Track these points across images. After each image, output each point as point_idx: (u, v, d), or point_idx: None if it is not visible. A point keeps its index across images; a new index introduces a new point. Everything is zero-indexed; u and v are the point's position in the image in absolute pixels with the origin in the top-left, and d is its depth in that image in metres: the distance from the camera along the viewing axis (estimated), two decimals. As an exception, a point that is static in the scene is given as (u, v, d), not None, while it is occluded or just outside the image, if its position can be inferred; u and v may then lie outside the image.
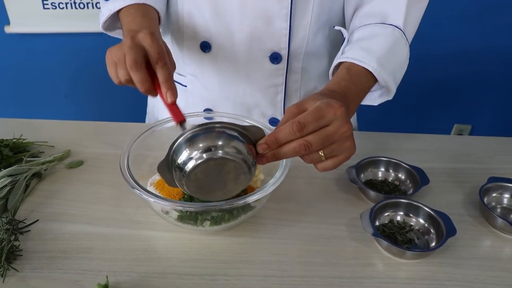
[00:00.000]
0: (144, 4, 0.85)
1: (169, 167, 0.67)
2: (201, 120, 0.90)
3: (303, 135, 0.62)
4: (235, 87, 1.01)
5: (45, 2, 2.01)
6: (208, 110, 1.05)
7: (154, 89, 0.70)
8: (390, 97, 0.86)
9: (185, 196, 0.75)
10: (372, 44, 0.82)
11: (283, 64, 0.96)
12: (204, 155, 0.63)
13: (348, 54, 0.81)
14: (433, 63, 2.17)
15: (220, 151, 0.63)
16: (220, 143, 0.63)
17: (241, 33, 0.93)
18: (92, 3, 2.02)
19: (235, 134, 0.65)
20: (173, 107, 0.69)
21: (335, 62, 0.83)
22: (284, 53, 0.94)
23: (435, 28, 2.04)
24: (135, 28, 0.77)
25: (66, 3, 2.02)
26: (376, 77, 0.79)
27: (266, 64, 0.96)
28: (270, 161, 0.65)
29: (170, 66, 0.71)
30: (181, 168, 0.64)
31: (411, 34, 0.88)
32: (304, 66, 0.99)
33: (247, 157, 0.64)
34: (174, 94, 0.68)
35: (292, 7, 0.89)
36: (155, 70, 0.69)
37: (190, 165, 0.63)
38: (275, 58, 0.95)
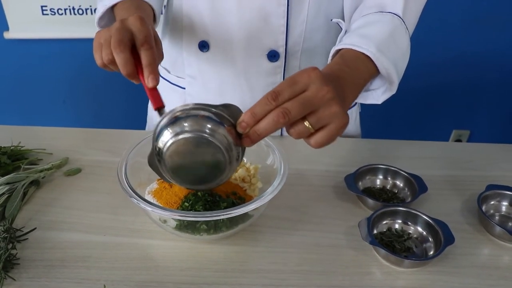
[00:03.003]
0: (138, 0, 0.84)
1: (155, 157, 0.65)
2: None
3: (279, 104, 0.58)
4: (233, 86, 1.01)
5: (44, 8, 2.02)
6: None
7: (137, 73, 0.68)
8: (393, 91, 0.80)
9: (183, 205, 0.75)
10: (370, 30, 0.78)
11: (280, 62, 0.96)
12: (177, 136, 0.61)
13: (345, 41, 0.77)
14: (431, 69, 2.18)
15: (196, 133, 0.61)
16: (198, 126, 0.61)
17: (239, 31, 0.93)
18: (91, 9, 2.03)
19: (214, 117, 0.61)
20: (153, 92, 0.67)
21: (332, 51, 0.79)
22: (281, 50, 0.94)
23: (433, 34, 2.04)
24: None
25: (65, 9, 2.02)
26: (375, 62, 0.74)
27: (263, 62, 0.96)
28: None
29: (156, 53, 0.69)
30: (158, 154, 0.63)
31: (411, 25, 0.85)
32: (302, 64, 0.99)
33: (228, 140, 0.61)
34: (156, 79, 0.66)
35: (289, 4, 0.89)
36: (139, 53, 0.67)
37: (164, 148, 0.62)
38: (272, 56, 0.95)
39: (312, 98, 0.58)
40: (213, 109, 0.62)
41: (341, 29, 0.90)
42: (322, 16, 0.94)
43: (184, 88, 1.07)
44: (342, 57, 0.74)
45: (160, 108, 0.67)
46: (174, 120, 0.62)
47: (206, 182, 0.67)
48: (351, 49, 0.74)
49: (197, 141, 0.61)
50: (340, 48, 0.77)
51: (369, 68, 0.74)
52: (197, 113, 0.62)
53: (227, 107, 0.63)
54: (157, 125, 0.64)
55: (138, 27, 0.67)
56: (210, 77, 1.02)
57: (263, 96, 0.59)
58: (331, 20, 0.93)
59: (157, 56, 0.70)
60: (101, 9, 0.86)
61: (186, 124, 0.61)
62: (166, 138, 0.62)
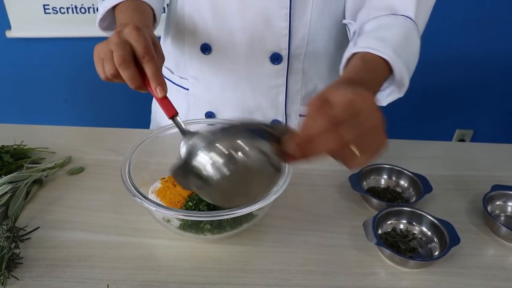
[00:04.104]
0: (137, 0, 0.84)
1: (185, 172, 0.60)
2: (203, 127, 0.90)
3: (333, 126, 0.55)
4: (236, 88, 1.01)
5: (46, 6, 2.01)
6: (209, 113, 1.05)
7: (144, 84, 0.68)
8: (401, 94, 0.78)
9: (187, 205, 0.74)
10: (386, 34, 0.78)
11: (283, 64, 0.95)
12: (228, 163, 0.57)
13: (362, 44, 0.75)
14: (434, 68, 2.17)
15: (245, 155, 0.56)
16: (244, 146, 0.57)
17: (241, 34, 0.93)
18: (93, 8, 2.02)
19: (259, 133, 0.57)
20: (164, 101, 0.68)
21: (347, 54, 0.77)
22: (284, 53, 0.94)
23: (437, 33, 2.03)
24: (124, 22, 0.76)
25: (67, 8, 2.02)
26: (392, 66, 0.72)
27: (266, 65, 0.96)
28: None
29: (158, 60, 0.69)
30: (201, 175, 0.58)
31: (422, 26, 0.85)
32: (305, 66, 0.98)
33: (274, 158, 0.57)
34: (164, 88, 0.67)
35: (292, 7, 0.88)
36: (142, 66, 0.67)
37: (215, 174, 0.57)
38: (275, 58, 0.94)
39: (366, 126, 0.56)
40: (261, 126, 0.58)
41: (348, 30, 0.89)
42: (325, 18, 0.93)
43: (188, 89, 1.06)
44: (364, 60, 0.72)
45: (174, 116, 0.67)
46: (218, 142, 0.57)
47: (247, 198, 0.65)
48: (368, 52, 0.73)
49: (250, 166, 0.57)
50: (356, 51, 0.75)
51: (385, 71, 0.74)
52: (242, 130, 0.58)
53: (269, 125, 0.59)
54: (191, 142, 0.61)
55: (135, 38, 0.66)
56: (212, 79, 1.02)
57: (321, 118, 0.55)
58: (341, 21, 0.92)
59: (158, 61, 0.69)
60: (101, 10, 0.86)
61: (232, 148, 0.57)
62: (212, 161, 0.57)
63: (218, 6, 0.90)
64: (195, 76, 1.03)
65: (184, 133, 0.67)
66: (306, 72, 0.99)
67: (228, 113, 1.03)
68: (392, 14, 0.82)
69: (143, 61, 0.66)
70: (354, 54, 0.76)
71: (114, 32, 0.69)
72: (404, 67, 0.74)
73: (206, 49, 0.97)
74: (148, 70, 0.67)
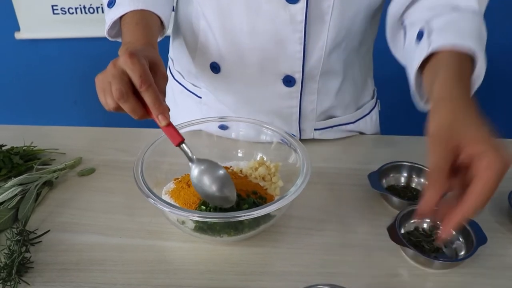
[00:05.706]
0: (142, 11, 0.81)
1: None
2: (215, 126, 0.87)
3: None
4: (248, 106, 0.98)
5: (54, 7, 2.01)
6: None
7: (147, 113, 0.67)
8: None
9: (202, 206, 0.72)
10: (462, 27, 0.72)
11: (297, 87, 0.91)
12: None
13: (441, 41, 0.69)
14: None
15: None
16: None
17: (252, 56, 0.89)
18: (101, 8, 2.02)
19: None
20: (168, 129, 0.67)
21: (423, 54, 0.71)
22: (298, 76, 0.89)
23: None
24: (127, 40, 0.76)
25: (76, 8, 2.01)
26: (476, 60, 0.69)
27: (279, 86, 0.92)
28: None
29: (160, 81, 0.68)
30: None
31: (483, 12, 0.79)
32: (320, 86, 0.94)
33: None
34: (166, 116, 0.66)
35: (306, 30, 0.83)
36: (141, 95, 0.65)
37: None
38: (288, 81, 0.90)
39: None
40: None
41: (404, 33, 0.83)
42: (342, 39, 0.88)
43: (200, 97, 1.03)
44: (460, 62, 0.68)
45: (180, 143, 0.68)
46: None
47: None
48: (452, 50, 0.69)
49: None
50: (435, 51, 0.70)
51: (470, 67, 0.70)
52: None
53: None
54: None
55: (130, 67, 0.64)
56: (224, 94, 0.98)
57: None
58: (358, 38, 0.89)
59: (156, 88, 0.66)
60: (108, 21, 0.84)
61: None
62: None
63: (226, 23, 0.86)
64: (207, 88, 1.01)
65: (192, 160, 0.71)
66: (321, 92, 0.95)
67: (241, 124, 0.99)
68: (455, 12, 0.76)
69: (141, 91, 0.64)
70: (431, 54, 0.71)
71: (111, 62, 0.67)
72: (484, 63, 0.70)
73: (215, 67, 0.93)
74: (147, 99, 0.65)
